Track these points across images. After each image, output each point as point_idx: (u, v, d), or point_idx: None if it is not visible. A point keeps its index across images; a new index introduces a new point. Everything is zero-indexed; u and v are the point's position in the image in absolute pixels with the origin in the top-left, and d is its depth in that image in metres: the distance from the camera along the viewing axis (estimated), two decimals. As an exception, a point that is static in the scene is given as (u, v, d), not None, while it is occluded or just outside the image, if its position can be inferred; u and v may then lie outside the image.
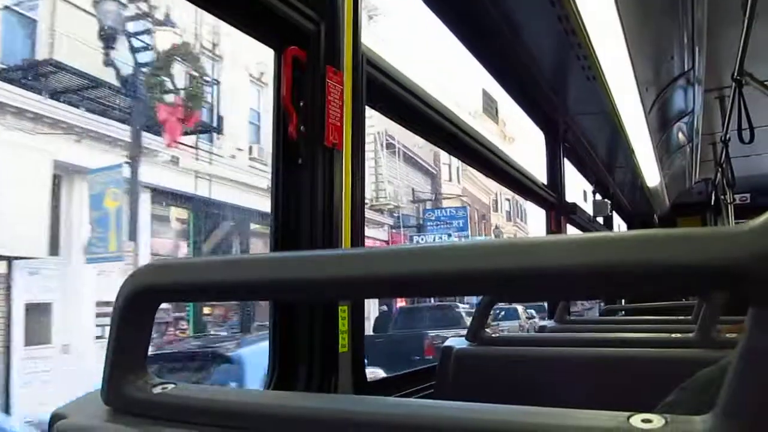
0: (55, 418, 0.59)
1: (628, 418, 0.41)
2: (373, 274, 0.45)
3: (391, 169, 19.12)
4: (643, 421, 0.40)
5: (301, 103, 1.40)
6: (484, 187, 26.89)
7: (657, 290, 0.39)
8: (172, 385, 0.59)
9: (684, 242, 0.37)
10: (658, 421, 0.40)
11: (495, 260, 0.41)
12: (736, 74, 3.37)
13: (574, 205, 3.95)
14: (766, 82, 3.55)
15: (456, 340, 1.66)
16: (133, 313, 0.57)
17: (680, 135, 4.87)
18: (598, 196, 4.96)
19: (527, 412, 0.44)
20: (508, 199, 30.43)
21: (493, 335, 1.65)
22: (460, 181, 24.70)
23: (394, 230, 18.98)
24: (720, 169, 4.87)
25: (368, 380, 1.59)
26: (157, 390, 0.58)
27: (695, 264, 0.36)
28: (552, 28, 2.57)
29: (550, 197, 3.60)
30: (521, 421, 0.43)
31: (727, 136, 4.16)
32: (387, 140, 18.71)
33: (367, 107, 1.62)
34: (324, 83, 1.42)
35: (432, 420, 0.46)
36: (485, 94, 3.05)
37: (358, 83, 1.53)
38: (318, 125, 1.40)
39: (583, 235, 0.40)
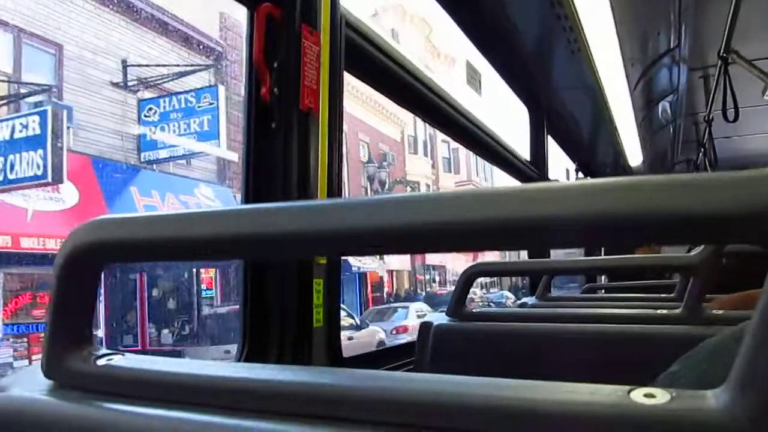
0: None
1: (628, 392, 0.36)
2: (351, 226, 0.40)
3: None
4: (646, 395, 0.36)
5: (275, 64, 1.33)
6: (386, 113, 20.14)
7: (668, 238, 0.36)
8: (120, 356, 0.53)
9: (707, 188, 0.32)
10: (662, 395, 0.35)
11: (492, 209, 0.36)
12: (722, 52, 3.35)
13: (557, 182, 3.91)
14: (752, 61, 3.54)
15: (435, 316, 1.61)
16: (74, 275, 0.51)
17: (664, 114, 4.85)
18: (581, 175, 4.94)
19: (520, 385, 0.39)
20: (446, 142, 24.30)
21: (473, 311, 1.61)
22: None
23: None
24: (703, 150, 4.88)
25: (344, 357, 1.54)
26: (102, 362, 0.52)
27: (711, 212, 0.32)
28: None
29: (533, 173, 3.56)
30: (514, 395, 0.38)
31: (711, 115, 4.16)
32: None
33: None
34: (299, 43, 1.34)
35: (426, 393, 0.41)
36: (469, 65, 2.99)
37: (335, 45, 1.46)
38: (293, 87, 1.33)
39: (596, 181, 0.36)
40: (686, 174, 0.35)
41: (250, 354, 1.30)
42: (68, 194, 9.73)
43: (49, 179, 9.05)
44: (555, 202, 0.35)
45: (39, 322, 9.29)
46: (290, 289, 1.33)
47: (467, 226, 0.37)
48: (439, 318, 1.59)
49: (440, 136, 23.80)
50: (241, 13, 1.42)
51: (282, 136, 1.33)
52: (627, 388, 0.37)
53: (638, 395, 0.36)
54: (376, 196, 0.45)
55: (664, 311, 1.44)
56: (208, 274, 12.80)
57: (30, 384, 0.53)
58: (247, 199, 1.36)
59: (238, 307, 11.41)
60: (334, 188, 1.43)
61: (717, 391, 0.34)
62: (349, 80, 1.66)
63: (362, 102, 18.34)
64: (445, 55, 23.24)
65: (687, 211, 0.32)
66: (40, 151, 8.99)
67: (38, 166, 9.04)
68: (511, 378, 0.40)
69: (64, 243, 0.52)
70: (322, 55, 1.41)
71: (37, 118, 9.01)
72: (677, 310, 1.39)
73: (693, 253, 1.36)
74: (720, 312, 1.38)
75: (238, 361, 1.31)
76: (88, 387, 0.51)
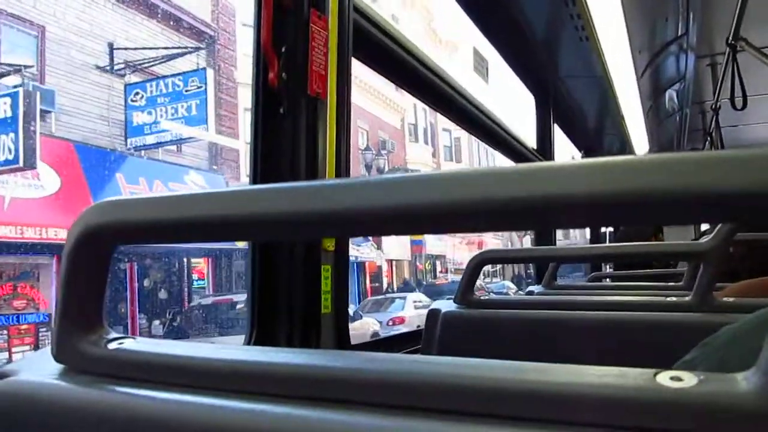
0: (1, 376, 0.53)
1: (655, 374, 0.36)
2: (359, 206, 0.40)
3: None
4: (672, 378, 0.35)
5: (283, 49, 1.32)
6: (386, 100, 20.03)
7: (679, 217, 0.35)
8: (131, 340, 0.53)
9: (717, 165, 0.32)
10: (689, 379, 0.35)
11: (500, 188, 0.36)
12: (731, 39, 3.33)
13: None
14: (761, 48, 3.51)
15: (443, 303, 1.61)
16: (85, 257, 0.51)
17: (671, 102, 4.83)
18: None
19: (544, 368, 0.38)
20: (447, 130, 24.25)
21: (481, 298, 1.61)
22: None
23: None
24: (709, 138, 4.86)
25: (352, 344, 1.54)
26: (113, 345, 0.52)
27: (720, 190, 0.32)
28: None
29: (540, 161, 3.54)
30: (539, 378, 0.38)
31: (718, 104, 4.14)
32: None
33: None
34: (307, 28, 1.33)
35: (441, 376, 0.40)
36: (476, 53, 2.97)
37: (343, 30, 1.44)
38: (301, 73, 1.33)
39: (606, 159, 0.35)
40: (695, 152, 0.34)
41: (258, 339, 1.30)
42: (49, 181, 9.53)
43: (21, 164, 8.84)
44: (560, 181, 0.35)
45: (20, 313, 9.09)
46: (298, 276, 1.33)
47: (480, 205, 0.36)
48: (447, 305, 1.59)
49: (441, 124, 23.67)
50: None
51: (290, 121, 1.32)
52: (653, 371, 0.36)
53: (665, 378, 0.35)
54: (383, 175, 0.45)
55: (674, 299, 1.44)
56: (200, 264, 12.68)
57: (40, 368, 0.53)
58: (255, 182, 1.35)
59: (230, 298, 11.35)
60: (342, 173, 1.43)
61: (747, 374, 0.34)
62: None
63: (362, 89, 18.20)
64: (447, 41, 23.07)
65: (695, 189, 0.32)
66: (12, 135, 8.76)
67: (9, 150, 8.80)
68: None
69: (73, 224, 0.51)
70: (330, 40, 1.40)
71: (8, 100, 8.75)
72: (687, 298, 1.38)
73: (703, 240, 1.36)
74: (732, 299, 1.37)
75: (247, 344, 1.31)
76: (100, 371, 0.51)
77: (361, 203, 0.40)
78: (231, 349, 0.52)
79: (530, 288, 2.53)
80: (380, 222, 0.41)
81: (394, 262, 21.84)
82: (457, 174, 0.38)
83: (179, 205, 0.48)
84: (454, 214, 0.37)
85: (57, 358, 0.52)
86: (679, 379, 0.35)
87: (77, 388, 0.50)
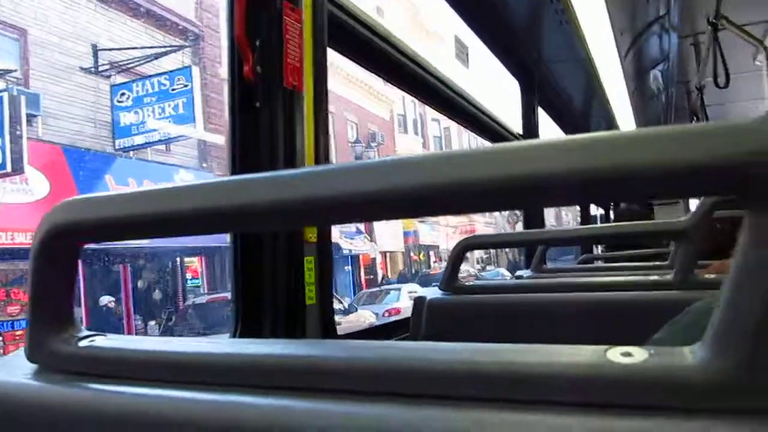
0: None
1: (605, 351, 0.37)
2: (338, 193, 0.40)
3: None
4: (623, 354, 0.36)
5: (258, 42, 1.31)
6: (373, 92, 19.74)
7: (647, 192, 0.35)
8: (102, 337, 0.53)
9: (683, 139, 0.32)
10: (639, 354, 0.36)
11: (471, 169, 0.36)
12: (712, 18, 3.34)
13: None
14: (742, 26, 3.52)
15: (429, 290, 1.61)
16: (51, 257, 0.51)
17: (655, 83, 4.84)
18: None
19: (502, 348, 0.40)
20: (436, 120, 23.78)
21: (467, 284, 1.61)
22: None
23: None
24: (695, 117, 4.87)
25: (338, 334, 1.54)
26: (84, 343, 0.52)
27: (690, 163, 0.31)
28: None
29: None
30: (495, 359, 0.39)
31: (702, 82, 4.15)
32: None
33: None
34: (281, 20, 1.33)
35: (409, 360, 0.42)
36: (457, 40, 2.96)
37: (318, 22, 1.44)
38: (276, 66, 1.32)
39: (582, 136, 0.35)
40: (664, 126, 0.35)
41: (243, 333, 1.30)
42: (38, 185, 9.50)
43: (8, 169, 8.80)
44: (534, 160, 0.35)
45: (14, 320, 9.07)
46: (282, 268, 1.33)
47: (455, 187, 0.36)
48: (432, 292, 1.59)
49: (430, 114, 23.63)
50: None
51: (267, 115, 1.32)
52: (605, 347, 0.37)
53: (615, 354, 0.36)
54: (362, 161, 0.45)
55: (656, 277, 1.45)
56: (193, 263, 12.62)
57: (14, 369, 0.53)
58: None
59: (225, 296, 11.28)
60: (321, 163, 1.42)
61: (693, 348, 0.35)
62: (336, 60, 1.64)
63: (349, 82, 18.15)
64: (433, 32, 22.98)
65: (663, 164, 0.32)
66: (-2, 140, 8.53)
67: (-5, 156, 8.60)
68: None
69: (39, 225, 0.51)
70: (305, 32, 1.39)
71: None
72: (669, 276, 1.39)
73: (683, 219, 1.36)
74: (712, 276, 1.38)
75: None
76: (72, 369, 0.51)
77: (341, 189, 0.40)
78: (208, 342, 0.52)
79: (519, 272, 2.54)
80: (360, 208, 0.41)
81: (388, 254, 21.85)
82: (434, 156, 0.38)
83: (150, 200, 0.48)
84: (433, 197, 0.37)
85: (30, 358, 0.52)
86: (629, 355, 0.36)
87: (50, 386, 0.51)
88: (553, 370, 0.37)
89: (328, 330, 1.41)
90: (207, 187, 0.46)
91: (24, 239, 8.94)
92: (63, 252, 0.51)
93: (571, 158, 0.34)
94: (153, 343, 0.56)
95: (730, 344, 0.32)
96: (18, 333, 8.97)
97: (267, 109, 1.32)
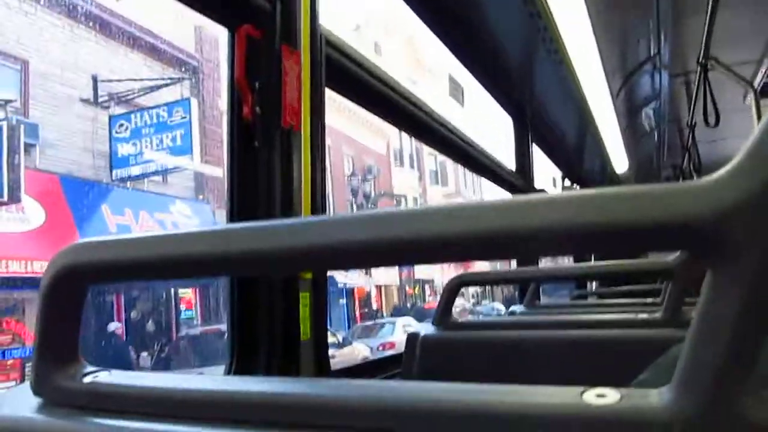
0: None
1: (582, 393, 0.38)
2: (334, 242, 0.42)
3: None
4: (598, 395, 0.38)
5: (257, 84, 1.35)
6: (371, 127, 18.98)
7: (613, 248, 0.37)
8: (106, 373, 0.55)
9: (642, 198, 0.35)
10: (612, 396, 0.38)
11: (462, 223, 0.38)
12: (701, 58, 3.40)
13: (543, 191, 3.95)
14: (731, 66, 3.59)
15: (422, 326, 1.63)
16: (60, 296, 0.53)
17: (648, 121, 4.90)
18: (567, 182, 4.98)
19: (485, 390, 0.41)
20: (432, 154, 23.44)
21: (460, 320, 1.63)
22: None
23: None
24: (687, 154, 4.92)
25: (332, 370, 1.55)
26: (89, 379, 0.54)
27: (651, 222, 0.34)
28: (517, 11, 2.54)
29: (519, 183, 3.59)
30: (479, 400, 0.41)
31: (694, 121, 4.21)
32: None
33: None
34: (280, 63, 1.37)
35: (397, 400, 0.44)
36: (451, 79, 3.02)
37: (316, 63, 1.48)
38: (274, 106, 1.35)
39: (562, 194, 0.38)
40: (630, 186, 0.37)
41: (238, 368, 1.31)
42: (34, 214, 9.38)
43: (5, 198, 8.72)
44: (519, 216, 0.37)
45: (5, 349, 8.80)
46: (277, 304, 1.35)
47: (440, 240, 0.38)
48: (426, 328, 1.61)
49: (427, 148, 23.59)
50: (217, 28, 1.44)
51: (265, 154, 1.35)
52: (581, 389, 0.39)
53: (590, 396, 0.38)
54: (358, 212, 0.47)
55: (645, 315, 1.46)
56: (187, 294, 12.49)
57: (20, 402, 0.55)
58: (231, 218, 1.37)
59: (218, 327, 11.18)
60: (318, 204, 1.45)
61: (662, 390, 0.37)
62: (333, 95, 1.68)
63: (346, 116, 18.23)
64: (432, 70, 23.16)
65: (631, 222, 0.34)
66: (-5, 169, 8.53)
67: (-7, 185, 8.57)
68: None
69: (48, 265, 0.53)
70: (303, 73, 1.43)
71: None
72: (657, 314, 1.41)
73: (670, 258, 1.38)
74: None
75: (227, 375, 1.33)
76: (77, 404, 0.53)
77: (334, 239, 0.42)
78: (207, 379, 0.54)
79: (512, 308, 2.55)
80: (356, 257, 0.43)
81: (383, 288, 21.73)
82: (421, 210, 0.41)
83: (152, 244, 0.50)
84: (420, 248, 0.40)
85: (35, 392, 0.54)
86: (603, 396, 0.38)
87: (54, 420, 0.52)
88: (531, 411, 0.38)
89: (322, 366, 1.42)
90: (211, 233, 0.48)
91: (19, 268, 8.87)
92: (71, 292, 0.53)
93: (554, 214, 0.36)
94: (154, 379, 0.57)
95: (694, 389, 0.34)
96: (8, 362, 8.85)
97: (266, 149, 1.35)
